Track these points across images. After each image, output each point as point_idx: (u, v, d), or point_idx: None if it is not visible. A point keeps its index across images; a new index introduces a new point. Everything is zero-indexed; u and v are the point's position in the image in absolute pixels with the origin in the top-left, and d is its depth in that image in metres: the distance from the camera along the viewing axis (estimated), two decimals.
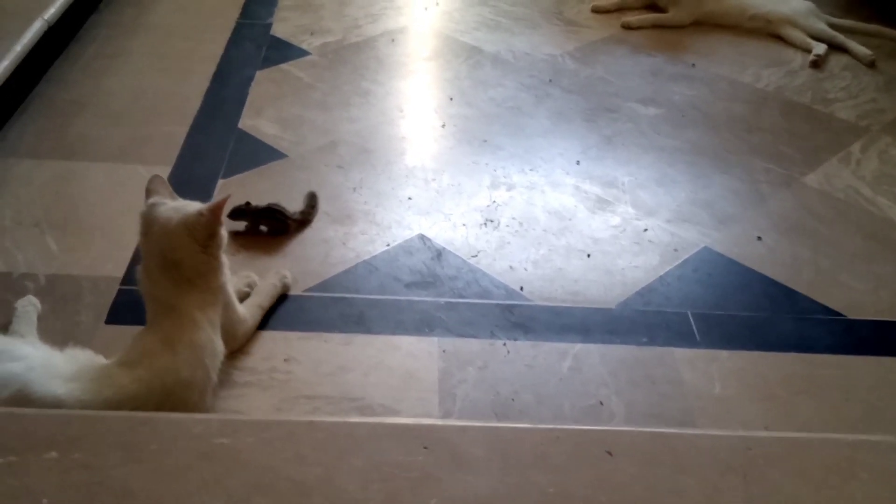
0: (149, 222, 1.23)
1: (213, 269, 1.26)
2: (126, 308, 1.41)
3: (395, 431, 1.05)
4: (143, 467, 0.97)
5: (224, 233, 1.27)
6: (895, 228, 1.72)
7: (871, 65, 2.37)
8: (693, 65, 2.28)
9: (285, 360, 1.33)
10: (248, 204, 1.58)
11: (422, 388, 1.31)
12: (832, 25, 2.50)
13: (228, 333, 1.31)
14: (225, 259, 1.28)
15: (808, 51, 2.40)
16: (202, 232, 1.22)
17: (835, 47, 2.44)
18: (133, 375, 1.15)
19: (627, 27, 2.52)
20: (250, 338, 1.37)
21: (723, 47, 2.43)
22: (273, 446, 1.01)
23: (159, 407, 1.14)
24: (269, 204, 1.59)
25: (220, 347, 1.25)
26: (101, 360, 1.21)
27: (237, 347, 1.34)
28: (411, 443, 1.03)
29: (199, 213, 1.23)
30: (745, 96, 2.18)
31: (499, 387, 1.32)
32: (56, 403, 1.08)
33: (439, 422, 1.18)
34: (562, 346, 1.40)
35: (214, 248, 1.25)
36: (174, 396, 1.16)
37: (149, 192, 1.26)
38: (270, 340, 1.37)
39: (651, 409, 1.29)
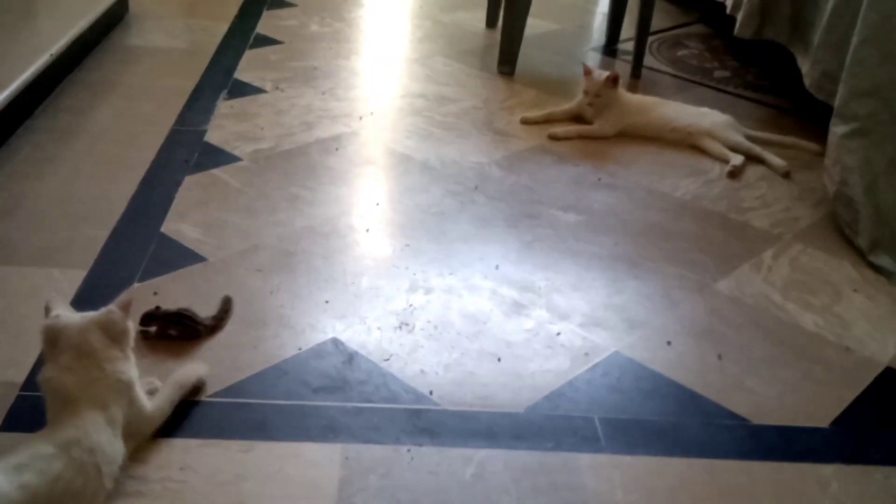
0: (56, 332, 1.27)
1: (124, 360, 1.30)
2: (24, 414, 1.38)
3: None
4: None
5: (132, 327, 1.33)
6: (803, 334, 1.76)
7: (787, 175, 2.47)
8: (599, 178, 2.35)
9: (181, 468, 1.30)
10: (157, 308, 1.58)
11: (320, 497, 1.28)
12: (750, 137, 2.62)
13: (132, 431, 1.30)
14: (132, 356, 1.33)
15: (726, 161, 2.50)
16: (115, 328, 1.29)
17: (752, 158, 2.54)
18: (20, 481, 1.11)
19: (554, 138, 2.61)
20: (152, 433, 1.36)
21: (644, 158, 2.53)
22: None
23: None
24: (179, 309, 1.59)
25: (119, 450, 1.25)
26: None
27: (140, 443, 1.33)
28: None
29: (109, 311, 1.30)
30: (662, 205, 2.25)
31: (399, 495, 1.30)
32: None
33: None
34: (467, 451, 1.39)
35: (125, 342, 1.31)
36: None
37: (48, 309, 1.30)
38: (167, 448, 1.34)
39: None
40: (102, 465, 1.19)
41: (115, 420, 1.25)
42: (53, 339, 1.27)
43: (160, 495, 1.25)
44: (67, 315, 1.30)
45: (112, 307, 1.31)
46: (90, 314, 1.31)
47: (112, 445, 1.22)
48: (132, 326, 1.33)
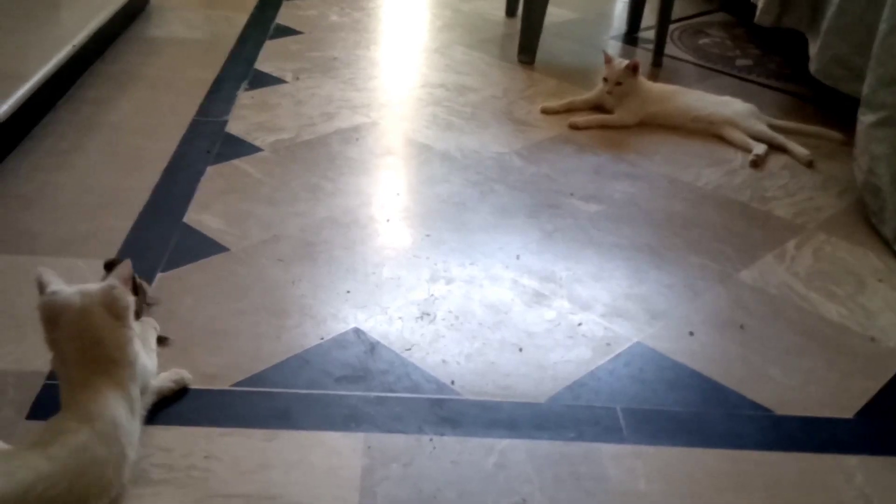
0: (55, 311, 1.25)
1: (131, 338, 1.29)
2: (50, 403, 1.38)
3: None
4: None
5: (133, 300, 1.31)
6: (826, 324, 1.75)
7: (810, 164, 2.44)
8: (620, 168, 2.33)
9: (205, 456, 1.32)
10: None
11: (343, 485, 1.29)
12: (773, 126, 2.59)
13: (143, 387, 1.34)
14: (136, 327, 1.33)
15: (749, 151, 2.48)
16: (119, 304, 1.27)
17: (775, 147, 2.52)
18: (47, 453, 1.14)
19: (574, 127, 2.59)
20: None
21: (666, 147, 2.51)
22: None
23: (73, 484, 1.13)
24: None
25: (136, 426, 1.27)
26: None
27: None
28: None
29: (111, 287, 1.27)
30: (684, 194, 2.24)
31: (422, 484, 1.30)
32: None
33: None
34: (488, 441, 1.39)
35: (128, 317, 1.29)
36: (89, 474, 1.15)
37: (42, 284, 1.26)
38: (191, 436, 1.35)
39: None
40: (121, 435, 1.21)
41: (130, 396, 1.26)
42: (53, 318, 1.24)
43: (185, 483, 1.27)
44: (65, 291, 1.25)
45: (113, 281, 1.28)
46: (90, 289, 1.26)
47: (129, 419, 1.24)
48: (133, 300, 1.31)
